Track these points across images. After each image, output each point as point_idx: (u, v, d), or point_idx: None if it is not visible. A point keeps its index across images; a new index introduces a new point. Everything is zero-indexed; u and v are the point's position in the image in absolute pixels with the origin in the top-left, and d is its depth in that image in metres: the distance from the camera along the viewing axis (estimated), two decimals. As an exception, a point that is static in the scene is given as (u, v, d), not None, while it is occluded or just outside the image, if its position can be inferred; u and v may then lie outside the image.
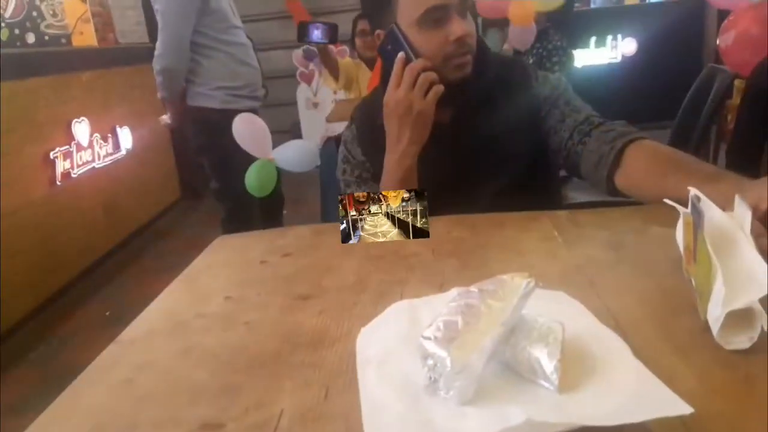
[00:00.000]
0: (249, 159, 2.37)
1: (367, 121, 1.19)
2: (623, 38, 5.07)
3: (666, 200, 0.71)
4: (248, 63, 2.45)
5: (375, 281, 0.71)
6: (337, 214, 0.66)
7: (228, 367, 0.55)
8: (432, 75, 0.99)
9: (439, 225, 0.87)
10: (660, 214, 0.83)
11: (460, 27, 1.01)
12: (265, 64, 5.88)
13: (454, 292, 0.52)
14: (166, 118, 2.51)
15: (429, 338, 0.45)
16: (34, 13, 3.62)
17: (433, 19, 1.01)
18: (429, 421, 0.42)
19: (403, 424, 0.42)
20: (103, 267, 3.41)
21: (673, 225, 0.73)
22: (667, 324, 0.56)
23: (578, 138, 1.06)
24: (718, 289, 0.50)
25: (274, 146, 2.32)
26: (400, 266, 0.74)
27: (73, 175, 3.35)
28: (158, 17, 2.22)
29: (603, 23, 5.08)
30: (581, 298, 0.59)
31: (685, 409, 0.39)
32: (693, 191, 0.62)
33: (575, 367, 0.46)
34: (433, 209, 0.96)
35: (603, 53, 5.17)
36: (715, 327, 0.51)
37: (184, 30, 2.22)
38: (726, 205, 0.61)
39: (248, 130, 2.22)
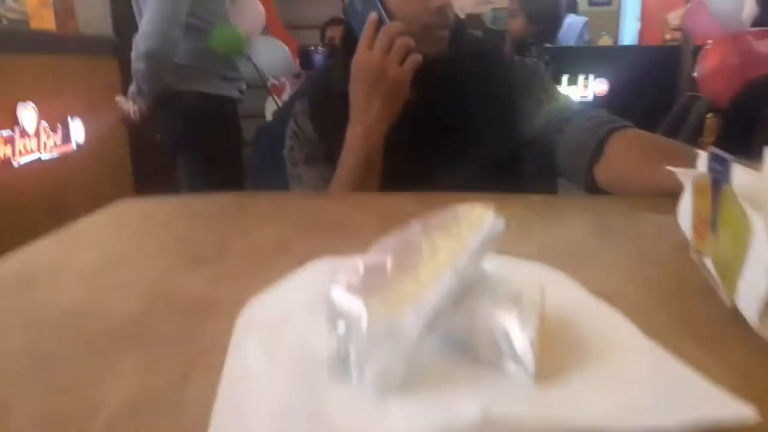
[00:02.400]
0: (238, 161, 2.14)
1: (323, 92, 1.04)
2: (595, 78, 5.11)
3: (669, 168, 0.57)
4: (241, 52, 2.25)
5: (298, 246, 0.54)
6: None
7: (53, 333, 0.38)
8: (410, 41, 0.86)
9: (392, 200, 0.73)
10: (652, 202, 0.70)
11: None
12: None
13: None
14: (125, 103, 2.08)
15: (340, 287, 0.29)
16: (-6, -4, 3.43)
17: None
18: (321, 418, 0.26)
19: (274, 422, 0.26)
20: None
21: (669, 213, 0.60)
22: (677, 308, 0.41)
23: (556, 125, 0.94)
24: (760, 252, 0.36)
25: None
26: (335, 234, 0.59)
27: (14, 165, 3.11)
28: (145, 6, 1.89)
29: (575, 62, 5.11)
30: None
31: (743, 411, 0.24)
32: (709, 149, 0.49)
33: (560, 346, 0.30)
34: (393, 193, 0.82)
35: (575, 91, 5.20)
36: (752, 309, 0.36)
37: (179, 9, 1.90)
38: None
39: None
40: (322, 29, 3.14)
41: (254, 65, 3.32)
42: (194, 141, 2.08)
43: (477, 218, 0.32)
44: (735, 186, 0.41)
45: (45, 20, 3.52)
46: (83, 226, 0.65)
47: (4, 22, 3.58)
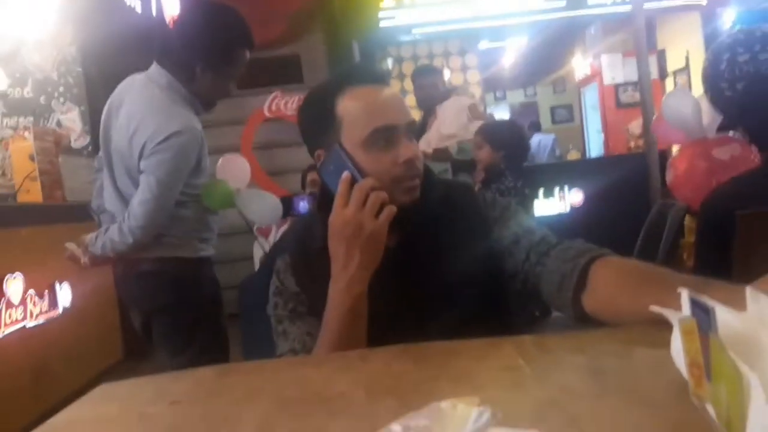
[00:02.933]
0: (219, 318, 2.09)
1: (303, 248, 1.06)
2: (569, 190, 5.30)
3: (653, 308, 0.57)
4: (216, 212, 2.16)
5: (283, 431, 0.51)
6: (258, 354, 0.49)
7: None
8: (383, 194, 0.90)
9: (378, 356, 0.71)
10: (642, 334, 0.69)
11: (409, 149, 0.95)
12: (222, 220, 5.89)
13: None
14: (76, 249, 1.98)
15: None
16: (-20, 172, 3.55)
17: (381, 139, 0.94)
18: None
19: None
20: (21, 443, 2.97)
21: (659, 346, 0.58)
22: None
23: (535, 259, 0.95)
24: (760, 409, 0.34)
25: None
26: (320, 411, 0.56)
27: (-2, 337, 3.05)
28: (148, 184, 1.81)
29: (549, 177, 5.31)
30: (562, 440, 0.42)
31: None
32: (686, 291, 0.48)
33: None
34: (379, 343, 0.80)
35: (552, 204, 5.36)
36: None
37: (175, 196, 1.87)
38: None
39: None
40: (303, 174, 3.27)
41: (244, 217, 3.40)
42: (174, 305, 1.99)
43: (461, 416, 0.31)
44: (722, 332, 0.40)
45: (32, 193, 3.62)
46: (57, 425, 0.61)
47: (-8, 197, 3.68)
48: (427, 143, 3.50)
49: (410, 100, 6.63)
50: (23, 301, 3.26)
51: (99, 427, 0.60)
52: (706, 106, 2.27)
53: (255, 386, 0.65)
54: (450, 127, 3.73)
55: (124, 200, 1.93)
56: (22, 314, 3.25)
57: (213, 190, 2.06)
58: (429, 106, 3.90)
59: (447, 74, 6.07)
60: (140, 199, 1.82)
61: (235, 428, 0.54)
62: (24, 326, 3.24)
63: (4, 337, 3.07)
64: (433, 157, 3.33)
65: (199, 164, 1.96)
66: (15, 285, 3.20)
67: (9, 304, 3.13)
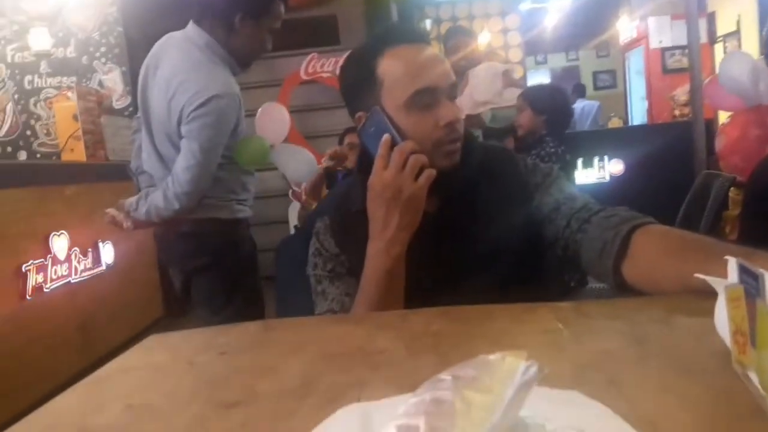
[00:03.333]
0: (256, 277, 2.14)
1: (342, 210, 1.07)
2: (609, 160, 5.17)
3: (698, 275, 0.56)
4: (251, 172, 2.17)
5: (326, 384, 0.53)
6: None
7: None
8: (423, 157, 0.90)
9: (417, 318, 0.72)
10: (684, 303, 0.68)
11: (450, 111, 0.93)
12: (258, 184, 5.97)
13: (422, 386, 0.36)
14: (117, 214, 2.00)
15: (374, 455, 0.28)
16: (28, 132, 3.66)
17: (423, 102, 0.93)
18: None
19: None
20: (67, 392, 3.13)
21: (701, 314, 0.58)
22: (730, 435, 0.39)
23: (576, 226, 0.94)
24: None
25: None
26: (362, 365, 0.58)
27: (45, 290, 3.19)
28: (192, 151, 1.82)
29: (588, 145, 5.19)
30: (603, 400, 0.42)
31: None
32: (734, 259, 0.48)
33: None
34: (415, 307, 0.82)
35: (591, 173, 5.24)
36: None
37: (217, 161, 1.87)
38: None
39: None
40: (341, 136, 3.26)
41: (282, 169, 3.47)
42: (212, 266, 2.03)
43: (509, 368, 0.31)
44: (770, 300, 0.40)
45: (76, 152, 3.73)
46: (110, 372, 0.65)
47: (38, 156, 3.79)
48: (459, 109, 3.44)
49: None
50: (68, 258, 3.39)
51: (150, 374, 0.63)
52: (763, 72, 2.18)
53: (299, 340, 0.67)
54: (483, 93, 3.64)
55: (164, 162, 1.95)
56: (67, 270, 3.38)
57: (248, 146, 2.07)
58: (460, 69, 3.81)
59: (486, 37, 5.92)
60: (184, 165, 1.83)
61: (281, 378, 0.56)
62: (69, 281, 3.38)
63: (51, 291, 3.20)
64: (466, 124, 3.27)
65: (237, 127, 1.97)
66: (60, 242, 3.32)
67: (55, 260, 3.26)
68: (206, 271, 2.05)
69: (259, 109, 2.49)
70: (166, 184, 1.89)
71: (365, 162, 0.97)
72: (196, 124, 1.80)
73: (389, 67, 0.95)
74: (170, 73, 1.87)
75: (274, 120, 2.57)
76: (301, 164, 3.69)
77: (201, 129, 1.80)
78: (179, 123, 1.83)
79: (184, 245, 2.06)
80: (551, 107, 2.85)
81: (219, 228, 2.02)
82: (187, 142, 1.83)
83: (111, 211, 2.08)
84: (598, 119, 7.71)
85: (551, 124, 2.83)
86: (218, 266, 2.03)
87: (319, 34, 5.50)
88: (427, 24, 6.63)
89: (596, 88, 9.58)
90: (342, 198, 1.10)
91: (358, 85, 0.99)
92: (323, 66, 5.36)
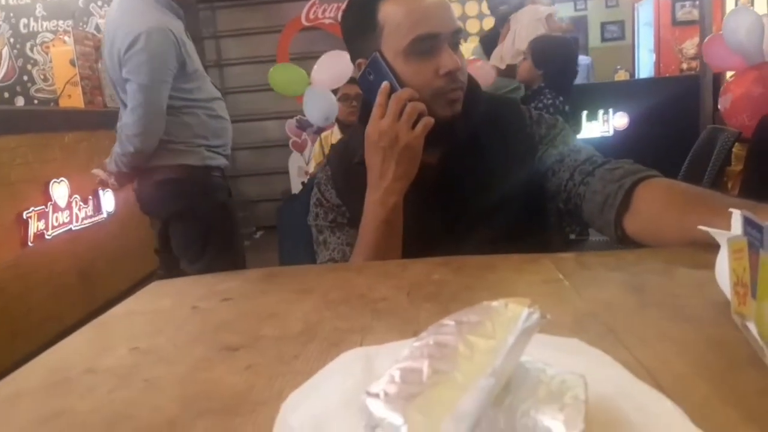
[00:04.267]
0: (233, 234, 2.17)
1: (344, 161, 1.06)
2: (614, 113, 5.11)
3: (701, 227, 0.56)
4: (224, 117, 2.21)
5: (328, 329, 0.54)
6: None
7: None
8: (420, 105, 0.88)
9: (418, 266, 0.72)
10: (685, 255, 0.69)
11: (451, 59, 0.90)
12: (259, 134, 5.94)
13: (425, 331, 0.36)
14: (102, 174, 2.14)
15: (377, 395, 0.29)
16: (25, 77, 3.60)
17: (423, 49, 0.90)
18: None
19: None
20: (72, 336, 3.19)
21: (702, 267, 0.58)
22: (726, 382, 0.40)
23: (580, 178, 0.93)
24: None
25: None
26: (363, 311, 0.58)
27: (47, 237, 3.20)
28: (133, 91, 1.89)
29: (593, 98, 5.12)
30: (602, 348, 0.43)
31: None
32: (738, 211, 0.48)
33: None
34: (417, 257, 0.82)
35: (595, 127, 5.18)
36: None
37: (164, 102, 1.93)
38: None
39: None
40: (336, 89, 3.22)
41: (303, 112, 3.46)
42: (186, 213, 2.09)
43: (511, 315, 0.32)
44: (773, 252, 0.40)
45: (74, 98, 3.68)
46: (116, 316, 0.66)
47: (35, 102, 3.74)
48: (500, 58, 3.27)
49: (455, 9, 6.37)
50: (69, 206, 3.39)
51: (155, 318, 0.64)
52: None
53: (301, 287, 0.68)
54: (525, 41, 3.52)
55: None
56: (68, 217, 3.39)
57: (287, 72, 2.07)
58: (502, 14, 3.66)
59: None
60: (130, 107, 1.88)
61: (284, 323, 0.57)
62: (70, 229, 3.39)
63: (53, 238, 3.22)
64: (505, 73, 3.15)
65: (185, 67, 1.97)
66: (60, 189, 3.32)
67: (56, 207, 3.27)
68: (180, 218, 2.10)
69: (322, 56, 2.47)
70: (119, 129, 1.92)
71: (366, 111, 0.95)
72: (131, 64, 1.85)
73: (390, 12, 0.92)
74: (110, 25, 1.93)
75: (337, 66, 2.53)
76: (323, 106, 3.62)
77: (137, 68, 1.85)
78: (121, 68, 1.88)
79: (156, 193, 2.12)
80: (551, 61, 2.80)
81: (190, 174, 2.06)
82: (129, 85, 1.88)
83: (96, 171, 2.13)
84: (590, 77, 7.53)
85: (549, 78, 2.78)
86: (191, 213, 2.07)
87: (320, -21, 5.35)
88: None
89: (604, 39, 9.35)
90: (344, 148, 1.09)
91: (358, 30, 0.97)
92: (325, 12, 5.24)
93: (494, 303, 0.33)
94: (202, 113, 2.06)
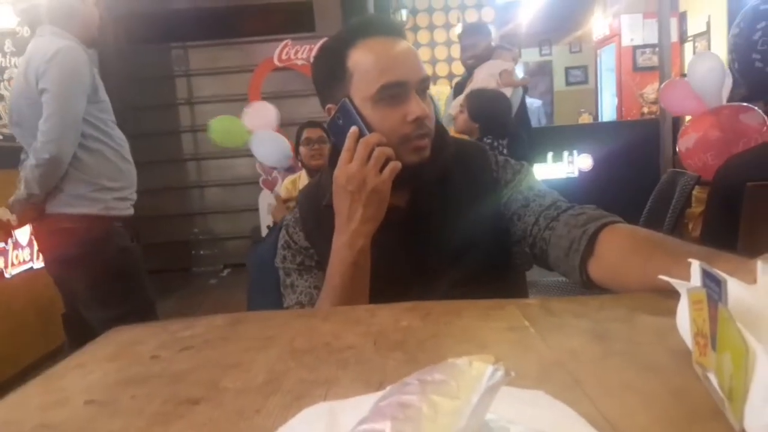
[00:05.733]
0: (139, 280, 2.13)
1: (313, 203, 1.06)
2: (579, 154, 5.25)
3: (662, 277, 0.57)
4: (130, 161, 2.17)
5: (292, 381, 0.53)
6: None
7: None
8: (388, 150, 0.89)
9: (385, 313, 0.72)
10: (647, 302, 0.70)
11: (418, 107, 0.92)
12: (229, 171, 5.91)
13: (388, 389, 0.35)
14: (3, 213, 2.16)
15: (338, 459, 0.28)
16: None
17: (390, 96, 0.92)
18: None
19: None
20: (28, 378, 3.05)
21: (664, 314, 0.59)
22: (688, 435, 0.40)
23: (545, 223, 0.95)
24: (763, 381, 0.35)
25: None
26: (329, 362, 0.57)
27: (6, 276, 3.11)
28: (49, 99, 1.90)
29: (558, 140, 5.26)
30: (567, 400, 0.43)
31: None
32: (697, 262, 0.49)
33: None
34: (385, 300, 0.82)
35: (560, 167, 5.32)
36: (761, 437, 0.35)
37: (79, 112, 1.95)
38: None
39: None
40: (299, 130, 3.24)
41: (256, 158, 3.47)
42: (81, 260, 2.02)
43: (476, 373, 0.31)
44: (731, 305, 0.41)
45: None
46: (71, 365, 0.63)
47: (0, 138, 3.66)
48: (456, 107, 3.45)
49: (424, 53, 6.52)
50: (30, 243, 3.30)
51: (112, 369, 0.62)
52: (728, 75, 2.23)
53: (266, 335, 0.66)
54: None
55: (29, 132, 1.99)
56: (29, 255, 3.30)
57: (227, 125, 2.06)
58: (470, 66, 3.82)
59: (460, 29, 5.93)
60: (45, 116, 1.91)
61: (246, 374, 0.55)
62: (31, 267, 3.30)
63: (13, 277, 3.13)
64: (461, 129, 3.28)
65: (96, 92, 2.01)
66: (22, 228, 3.23)
67: (17, 245, 3.18)
68: (76, 266, 2.04)
69: (247, 108, 2.49)
70: (34, 144, 1.93)
71: (335, 155, 0.96)
72: (48, 74, 1.90)
73: (359, 59, 0.94)
74: (27, 55, 2.01)
75: (262, 115, 2.57)
76: (275, 150, 3.67)
77: (54, 78, 1.90)
78: (38, 84, 1.93)
79: (52, 240, 2.09)
80: (486, 116, 2.93)
81: (88, 225, 2.02)
82: (44, 96, 1.92)
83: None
84: (541, 119, 7.74)
85: (486, 129, 2.91)
86: (87, 260, 2.02)
87: (294, 21, 5.44)
88: (404, 14, 6.61)
89: (568, 83, 9.69)
90: (313, 191, 1.09)
91: (329, 76, 0.98)
92: (297, 53, 5.30)
93: (458, 361, 0.33)
94: (110, 152, 2.05)
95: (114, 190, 2.08)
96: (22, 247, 3.23)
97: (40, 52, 1.94)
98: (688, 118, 3.38)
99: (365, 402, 0.41)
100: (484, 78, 3.66)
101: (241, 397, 0.50)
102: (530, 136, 3.84)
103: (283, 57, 5.32)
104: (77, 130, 1.95)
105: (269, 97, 5.29)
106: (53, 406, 0.53)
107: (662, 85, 3.25)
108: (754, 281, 0.51)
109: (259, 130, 3.54)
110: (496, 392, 0.32)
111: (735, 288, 0.44)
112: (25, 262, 3.25)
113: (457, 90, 3.94)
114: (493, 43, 3.98)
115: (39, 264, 3.34)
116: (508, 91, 3.50)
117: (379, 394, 0.37)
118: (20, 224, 2.11)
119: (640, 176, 3.82)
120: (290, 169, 4.16)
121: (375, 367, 0.55)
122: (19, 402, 0.56)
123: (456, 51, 5.91)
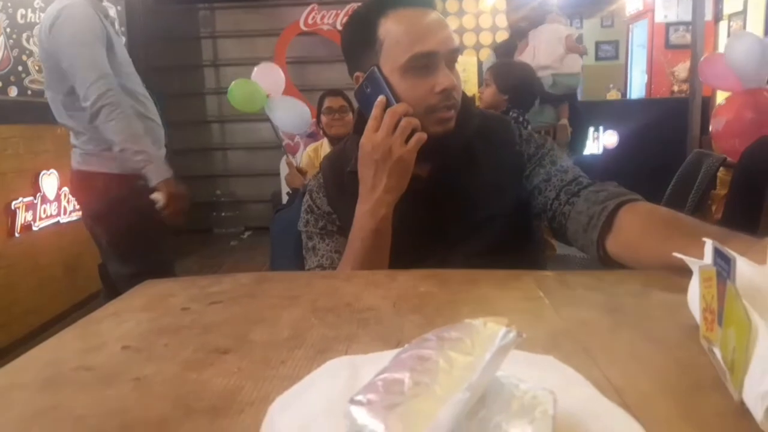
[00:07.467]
0: (159, 236, 2.18)
1: (336, 169, 1.08)
2: (604, 131, 5.17)
3: (676, 254, 0.59)
4: (152, 118, 2.17)
5: (315, 336, 0.56)
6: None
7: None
8: (414, 120, 0.91)
9: (404, 278, 0.74)
10: (661, 278, 0.71)
11: (447, 78, 0.93)
12: (251, 135, 5.95)
13: (408, 344, 0.38)
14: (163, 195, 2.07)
15: (360, 403, 0.31)
16: (20, 68, 3.58)
17: (419, 66, 0.93)
18: None
19: None
20: (54, 329, 3.17)
21: (676, 291, 0.61)
22: (688, 402, 0.42)
23: (565, 198, 0.96)
24: (763, 355, 0.37)
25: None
26: (350, 320, 0.60)
27: (34, 228, 3.19)
28: (68, 68, 1.93)
29: (586, 117, 5.19)
30: (575, 365, 0.45)
31: None
32: (710, 241, 0.50)
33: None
34: (405, 268, 0.84)
35: (585, 144, 5.25)
36: (757, 407, 0.37)
37: (100, 56, 1.94)
38: None
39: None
40: (321, 98, 3.24)
41: (272, 124, 3.47)
42: (104, 216, 2.11)
43: (489, 333, 0.34)
44: (739, 283, 0.42)
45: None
46: (106, 314, 0.67)
47: (29, 92, 3.73)
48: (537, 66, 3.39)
49: (452, 22, 6.41)
50: (57, 198, 3.38)
51: (145, 318, 0.65)
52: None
53: (290, 294, 0.70)
54: (545, 58, 3.59)
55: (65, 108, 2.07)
56: (57, 210, 3.38)
57: (244, 88, 2.04)
58: (522, 29, 3.74)
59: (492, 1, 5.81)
60: (76, 81, 1.93)
61: (272, 329, 0.59)
62: (58, 221, 3.38)
63: (40, 230, 3.21)
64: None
65: (113, 47, 2.00)
66: (50, 181, 3.32)
67: (44, 199, 3.26)
68: (100, 221, 2.13)
69: (255, 68, 2.47)
70: (87, 109, 1.93)
71: (361, 122, 0.98)
72: (62, 37, 1.91)
73: (390, 28, 0.94)
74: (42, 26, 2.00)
75: (270, 77, 2.56)
76: (294, 116, 3.67)
77: (69, 38, 1.91)
78: (49, 54, 1.96)
79: (81, 195, 2.21)
80: (514, 86, 2.90)
81: (107, 182, 2.08)
82: (63, 64, 1.93)
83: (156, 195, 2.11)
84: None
85: (513, 101, 2.89)
86: (110, 216, 2.09)
87: (321, -16, 5.37)
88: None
89: (598, 58, 9.46)
90: (337, 157, 1.11)
91: (358, 44, 0.99)
92: (323, 18, 5.27)
93: (474, 321, 0.35)
94: (131, 111, 2.03)
95: (136, 151, 2.09)
96: (50, 202, 3.31)
97: (49, 18, 1.94)
98: (720, 99, 3.32)
99: (384, 357, 0.43)
100: (550, 41, 3.57)
101: (268, 349, 0.54)
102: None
103: (309, 21, 5.29)
104: (108, 73, 1.95)
105: (294, 62, 5.27)
106: (91, 350, 0.57)
107: (702, 59, 3.19)
108: (765, 261, 0.52)
109: (274, 94, 3.51)
110: (507, 351, 0.34)
111: (744, 267, 0.46)
112: (52, 216, 3.34)
113: (501, 53, 3.85)
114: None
115: (66, 218, 3.43)
116: (573, 57, 3.42)
117: (397, 351, 0.39)
118: (172, 193, 2.06)
119: (665, 155, 3.76)
120: (312, 136, 4.16)
121: (393, 327, 0.58)
122: (58, 345, 0.60)
123: (485, 21, 5.81)
